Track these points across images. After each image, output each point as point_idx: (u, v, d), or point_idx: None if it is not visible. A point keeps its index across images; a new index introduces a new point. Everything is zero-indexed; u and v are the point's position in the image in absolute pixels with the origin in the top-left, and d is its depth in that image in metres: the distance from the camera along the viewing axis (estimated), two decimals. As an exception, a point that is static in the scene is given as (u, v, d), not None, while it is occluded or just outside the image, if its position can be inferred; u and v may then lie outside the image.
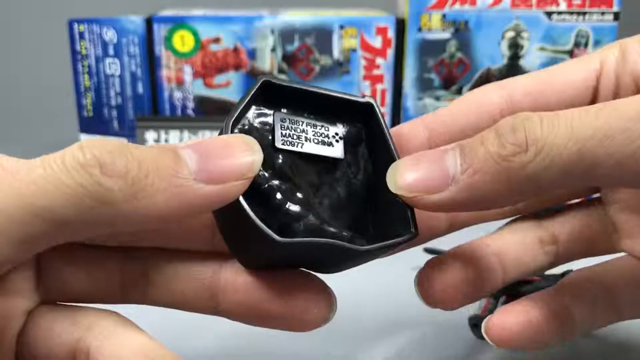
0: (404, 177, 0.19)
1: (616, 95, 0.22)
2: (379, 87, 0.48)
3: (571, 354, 0.30)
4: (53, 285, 0.20)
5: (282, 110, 0.21)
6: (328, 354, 0.29)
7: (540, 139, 0.17)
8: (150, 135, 0.46)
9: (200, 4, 0.56)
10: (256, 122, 0.20)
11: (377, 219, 0.22)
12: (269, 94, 0.20)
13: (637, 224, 0.24)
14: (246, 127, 0.20)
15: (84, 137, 0.49)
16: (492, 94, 0.23)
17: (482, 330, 0.23)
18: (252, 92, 0.20)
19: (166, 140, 0.46)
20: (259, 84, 0.20)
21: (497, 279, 0.24)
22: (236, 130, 0.20)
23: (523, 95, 0.23)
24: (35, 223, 0.16)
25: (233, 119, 0.19)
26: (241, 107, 0.20)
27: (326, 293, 0.21)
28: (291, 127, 0.21)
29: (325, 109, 0.21)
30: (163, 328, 0.23)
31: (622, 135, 0.16)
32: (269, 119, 0.21)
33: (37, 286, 0.19)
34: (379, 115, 0.22)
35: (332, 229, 0.19)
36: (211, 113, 0.49)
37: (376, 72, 0.48)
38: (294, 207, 0.19)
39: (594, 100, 0.23)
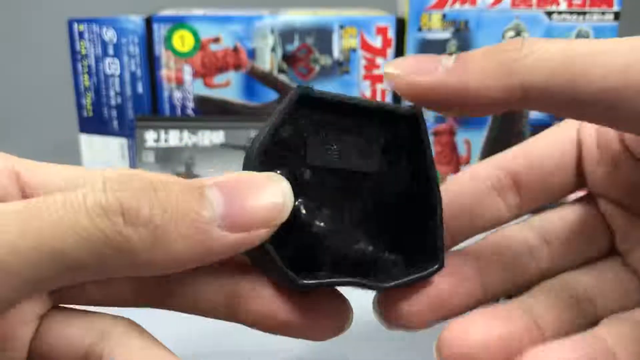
0: (397, 60, 0.19)
1: (601, 156, 0.23)
2: (379, 87, 0.48)
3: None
4: (66, 289, 0.20)
5: (315, 121, 0.19)
6: (327, 355, 0.29)
7: (537, 44, 0.18)
8: (150, 135, 0.46)
9: (200, 4, 0.56)
10: (286, 134, 0.19)
11: (407, 234, 0.21)
12: (303, 103, 0.19)
13: (634, 229, 0.23)
14: (275, 139, 0.19)
15: (84, 137, 0.49)
16: (486, 169, 0.23)
17: (435, 351, 0.21)
18: (286, 110, 0.19)
19: (166, 140, 0.46)
20: (294, 99, 0.19)
21: (479, 297, 0.23)
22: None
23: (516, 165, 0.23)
24: (50, 266, 0.15)
25: (261, 147, 0.18)
26: (272, 130, 0.19)
27: (344, 305, 0.21)
28: (324, 140, 0.20)
29: (363, 119, 0.20)
30: (177, 332, 0.23)
31: (612, 52, 0.17)
32: (301, 131, 0.19)
33: (49, 291, 0.19)
34: (423, 127, 0.20)
35: (358, 246, 0.19)
36: (211, 113, 0.49)
37: (376, 72, 0.48)
38: (319, 224, 0.19)
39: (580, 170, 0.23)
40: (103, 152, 0.48)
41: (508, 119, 0.47)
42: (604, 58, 0.17)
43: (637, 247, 0.23)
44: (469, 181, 0.23)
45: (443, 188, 0.21)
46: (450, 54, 0.19)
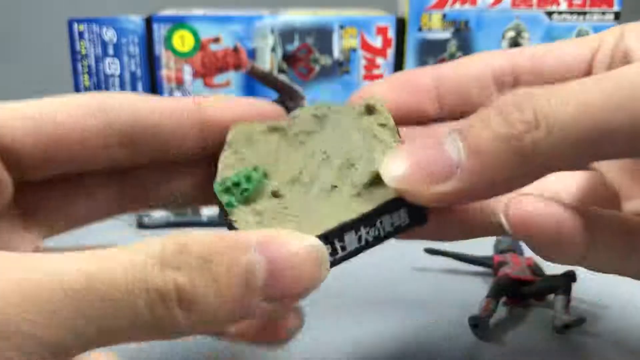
0: (401, 166, 0.18)
1: (609, 69, 0.22)
2: (379, 87, 0.48)
3: (570, 351, 0.30)
4: (48, 210, 0.21)
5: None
6: (328, 355, 0.29)
7: (551, 115, 0.16)
8: (150, 135, 0.46)
9: (200, 4, 0.56)
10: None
11: None
12: None
13: (635, 184, 0.23)
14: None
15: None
16: (497, 55, 0.23)
17: (503, 219, 0.19)
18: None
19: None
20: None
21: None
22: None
23: (524, 59, 0.23)
24: (90, 336, 0.15)
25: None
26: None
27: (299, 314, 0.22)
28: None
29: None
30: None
31: (634, 104, 0.16)
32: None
33: (31, 228, 0.20)
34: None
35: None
36: (211, 113, 0.48)
37: (376, 72, 0.48)
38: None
39: (588, 72, 0.23)
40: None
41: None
42: (624, 114, 0.16)
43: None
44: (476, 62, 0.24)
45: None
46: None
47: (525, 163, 0.17)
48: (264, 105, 0.23)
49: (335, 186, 0.20)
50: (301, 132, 0.22)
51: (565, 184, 0.24)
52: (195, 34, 0.47)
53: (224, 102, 0.22)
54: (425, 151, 0.18)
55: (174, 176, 0.23)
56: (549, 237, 0.18)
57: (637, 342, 0.31)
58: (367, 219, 0.19)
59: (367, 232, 0.19)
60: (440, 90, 0.23)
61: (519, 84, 0.23)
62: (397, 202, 0.19)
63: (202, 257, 0.16)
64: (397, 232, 0.20)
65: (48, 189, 0.21)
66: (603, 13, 0.46)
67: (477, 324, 0.31)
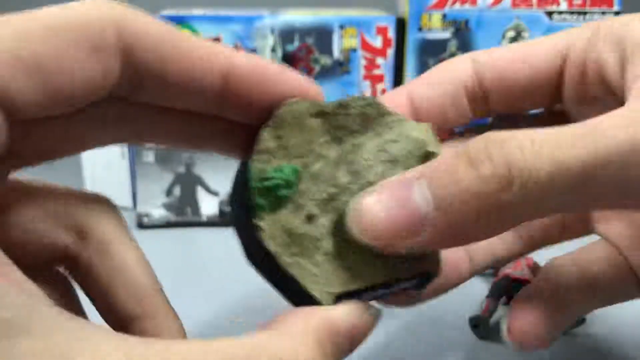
0: (369, 223, 0.17)
1: (581, 83, 0.22)
2: (379, 87, 0.48)
3: (570, 354, 0.30)
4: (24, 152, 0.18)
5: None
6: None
7: (524, 169, 0.16)
8: (150, 135, 0.46)
9: (200, 4, 0.56)
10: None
11: None
12: None
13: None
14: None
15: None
16: (465, 67, 0.23)
17: (505, 336, 0.23)
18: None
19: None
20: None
21: (462, 272, 0.24)
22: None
23: (490, 71, 0.22)
24: None
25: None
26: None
27: None
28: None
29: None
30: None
31: (615, 164, 0.16)
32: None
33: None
34: None
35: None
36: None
37: (376, 72, 0.48)
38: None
39: (559, 82, 0.22)
40: (103, 152, 0.48)
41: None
42: (604, 173, 0.16)
43: None
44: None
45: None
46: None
47: (497, 219, 0.16)
48: (309, 83, 0.20)
49: None
50: (344, 128, 0.20)
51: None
52: (195, 34, 0.47)
53: (261, 71, 0.19)
54: (393, 203, 0.17)
55: (184, 119, 0.19)
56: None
57: (636, 342, 0.31)
58: (389, 284, 0.19)
59: (382, 292, 0.19)
60: (416, 109, 0.23)
61: (489, 98, 0.23)
62: (422, 274, 0.20)
63: None
64: (403, 291, 0.20)
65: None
66: (603, 13, 0.46)
67: (478, 324, 0.31)
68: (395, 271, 0.19)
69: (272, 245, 0.18)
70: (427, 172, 0.17)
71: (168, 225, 0.47)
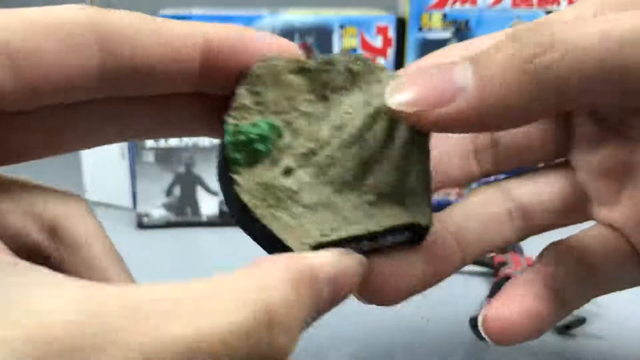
0: (405, 89, 0.17)
1: None
2: (379, 86, 0.48)
3: (569, 351, 0.30)
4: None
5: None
6: (328, 354, 0.29)
7: (569, 38, 0.15)
8: (150, 135, 0.46)
9: (200, 4, 0.56)
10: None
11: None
12: None
13: (610, 189, 0.22)
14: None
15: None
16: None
17: (480, 328, 0.22)
18: None
19: (166, 140, 0.46)
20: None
21: (453, 262, 0.22)
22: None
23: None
24: None
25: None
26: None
27: None
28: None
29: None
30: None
31: None
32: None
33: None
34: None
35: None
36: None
37: (376, 71, 0.48)
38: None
39: None
40: (103, 151, 0.48)
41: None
42: None
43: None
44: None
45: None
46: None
47: (536, 87, 0.16)
48: (287, 44, 0.19)
49: (351, 183, 0.19)
50: (329, 85, 0.19)
51: (535, 192, 0.23)
52: (195, 34, 0.47)
53: (238, 40, 0.19)
54: (432, 75, 0.17)
55: (166, 105, 0.20)
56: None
57: (636, 342, 0.31)
58: (374, 236, 0.19)
59: (368, 244, 0.19)
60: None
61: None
62: (408, 226, 0.19)
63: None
64: (392, 246, 0.20)
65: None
66: (603, 13, 0.46)
67: (478, 324, 0.31)
68: (381, 221, 0.19)
69: (247, 198, 0.18)
70: (474, 55, 0.17)
71: (168, 225, 0.47)
